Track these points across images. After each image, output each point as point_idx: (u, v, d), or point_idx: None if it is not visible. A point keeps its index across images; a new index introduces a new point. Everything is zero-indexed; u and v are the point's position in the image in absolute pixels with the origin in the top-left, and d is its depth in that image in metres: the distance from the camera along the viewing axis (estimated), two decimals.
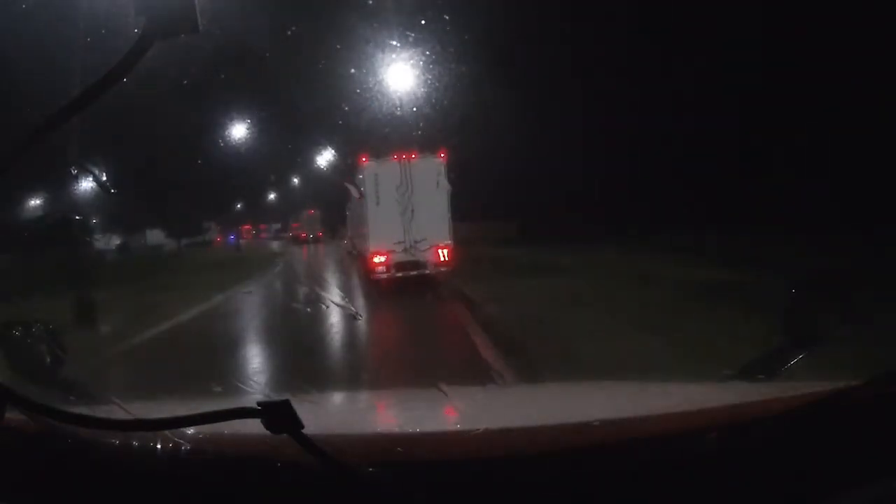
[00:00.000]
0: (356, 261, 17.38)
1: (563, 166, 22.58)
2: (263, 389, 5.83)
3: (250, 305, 12.96)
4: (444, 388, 1.70)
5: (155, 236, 37.26)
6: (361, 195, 13.15)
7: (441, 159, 12.59)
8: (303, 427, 0.92)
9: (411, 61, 12.61)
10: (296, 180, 44.93)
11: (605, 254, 16.69)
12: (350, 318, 9.97)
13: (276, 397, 0.95)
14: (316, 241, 40.13)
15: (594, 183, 22.32)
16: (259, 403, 0.93)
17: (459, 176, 13.14)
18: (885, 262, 8.25)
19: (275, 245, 42.31)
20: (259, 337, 8.98)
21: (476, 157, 18.21)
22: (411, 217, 12.33)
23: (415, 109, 13.68)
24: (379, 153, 13.00)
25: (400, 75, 13.26)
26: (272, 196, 50.33)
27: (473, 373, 5.75)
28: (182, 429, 1.03)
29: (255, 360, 7.30)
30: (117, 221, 30.44)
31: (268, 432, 0.93)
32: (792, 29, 15.84)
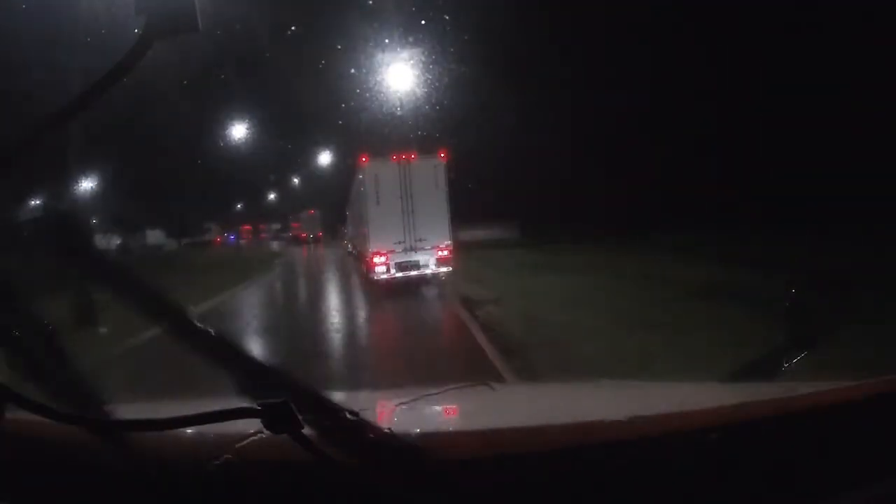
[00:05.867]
0: (356, 261, 17.38)
1: (565, 167, 22.59)
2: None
3: (250, 306, 12.96)
4: (443, 388, 1.70)
5: (155, 236, 37.34)
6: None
7: (441, 160, 12.58)
8: (303, 427, 0.92)
9: (411, 61, 12.62)
10: (296, 180, 45.02)
11: (604, 253, 16.68)
12: (349, 318, 9.97)
13: (276, 397, 0.94)
14: (315, 241, 40.18)
15: (595, 183, 22.33)
16: (259, 403, 0.93)
17: (460, 177, 13.12)
18: (884, 263, 8.26)
19: (275, 245, 42.32)
20: (259, 337, 8.96)
21: (476, 158, 18.22)
22: (411, 217, 12.30)
23: (415, 109, 13.69)
24: (379, 153, 13.00)
25: (400, 75, 13.28)
26: (272, 196, 50.35)
27: (474, 373, 5.75)
28: (182, 429, 1.03)
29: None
30: (117, 221, 30.47)
31: (268, 432, 0.93)
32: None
